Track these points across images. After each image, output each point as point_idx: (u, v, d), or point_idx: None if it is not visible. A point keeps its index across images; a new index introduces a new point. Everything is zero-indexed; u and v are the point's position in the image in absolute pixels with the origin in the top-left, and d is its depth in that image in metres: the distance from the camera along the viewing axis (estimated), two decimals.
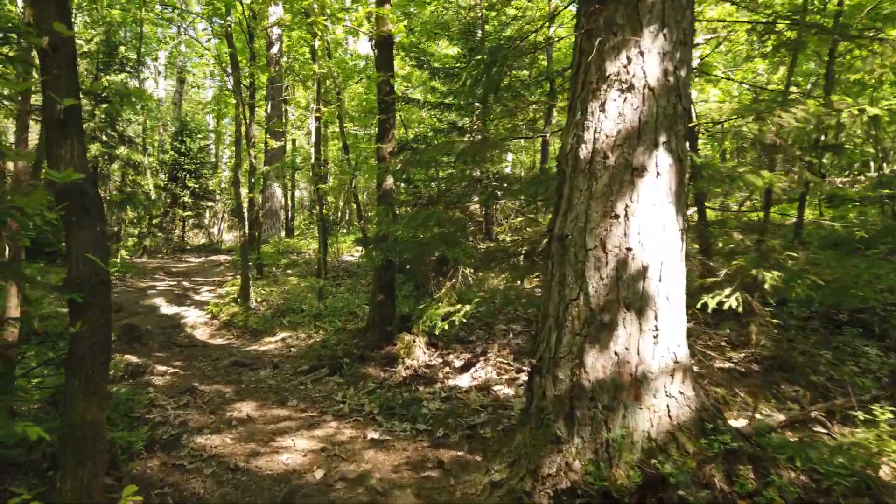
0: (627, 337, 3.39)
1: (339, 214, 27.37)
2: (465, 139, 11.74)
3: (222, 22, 11.78)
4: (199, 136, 27.38)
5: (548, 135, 10.16)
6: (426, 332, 6.45)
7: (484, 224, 10.73)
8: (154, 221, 24.42)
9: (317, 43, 10.42)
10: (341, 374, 6.21)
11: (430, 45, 14.50)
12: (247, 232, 9.20)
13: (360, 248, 18.40)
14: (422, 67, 12.69)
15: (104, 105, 20.13)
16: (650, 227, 3.47)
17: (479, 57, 5.87)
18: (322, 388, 5.86)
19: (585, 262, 3.49)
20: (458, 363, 6.13)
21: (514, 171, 18.36)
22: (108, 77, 20.17)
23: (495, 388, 5.21)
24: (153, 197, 21.76)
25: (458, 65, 12.01)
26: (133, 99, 18.97)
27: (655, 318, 3.43)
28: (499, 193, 11.23)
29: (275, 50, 21.30)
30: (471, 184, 11.33)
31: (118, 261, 13.41)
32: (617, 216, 3.47)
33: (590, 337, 3.43)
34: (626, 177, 3.50)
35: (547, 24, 10.67)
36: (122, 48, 21.13)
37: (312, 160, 10.92)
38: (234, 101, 10.29)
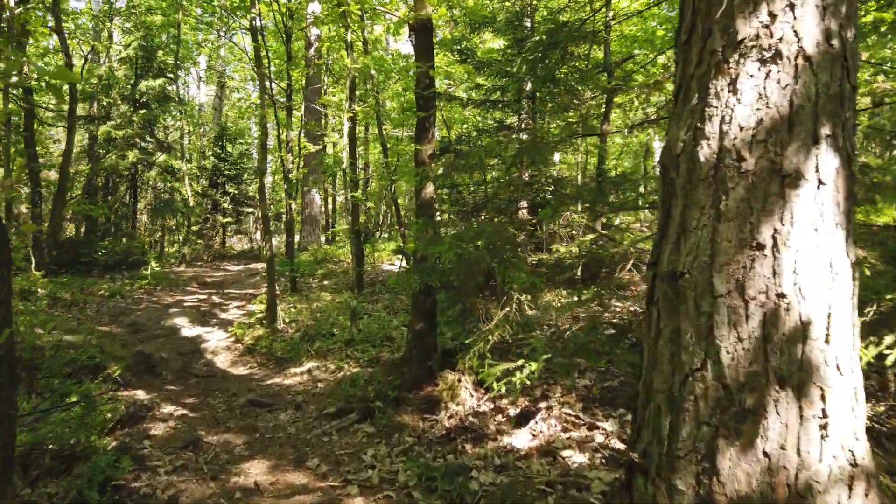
0: (782, 429, 2.26)
1: (381, 219, 26.57)
2: (514, 138, 10.67)
3: (249, 16, 10.98)
4: (240, 141, 27.07)
5: (608, 133, 9.00)
6: (474, 369, 5.40)
7: (544, 238, 9.62)
8: (194, 228, 24.10)
9: (349, 36, 9.49)
10: (372, 422, 5.20)
11: (474, 38, 13.46)
12: (271, 246, 8.33)
13: (399, 257, 17.51)
14: (465, 61, 11.68)
15: (142, 111, 19.82)
16: (811, 261, 2.33)
17: (538, 38, 4.81)
18: (349, 442, 4.87)
19: (714, 315, 2.37)
20: (513, 411, 5.04)
21: (570, 173, 17.09)
22: (145, 82, 19.84)
23: (564, 453, 4.11)
24: (191, 203, 21.36)
25: (505, 58, 10.96)
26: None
27: (822, 400, 2.29)
28: (550, 199, 10.06)
29: (313, 51, 20.67)
30: (519, 189, 10.23)
31: (148, 272, 12.82)
32: (761, 247, 2.34)
33: (724, 428, 2.30)
34: (774, 187, 2.36)
35: (604, 8, 9.52)
36: (161, 52, 20.81)
37: (345, 165, 9.99)
38: (259, 101, 9.43)
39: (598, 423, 4.46)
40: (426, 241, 4.69)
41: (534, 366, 3.50)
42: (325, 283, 13.49)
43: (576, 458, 4.05)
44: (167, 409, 5.73)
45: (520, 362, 3.59)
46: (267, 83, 11.31)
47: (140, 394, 6.14)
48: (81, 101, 20.11)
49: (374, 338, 7.39)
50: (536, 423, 4.72)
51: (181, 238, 22.57)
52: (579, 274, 8.34)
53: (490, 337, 5.26)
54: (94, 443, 4.41)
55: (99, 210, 17.48)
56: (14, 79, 6.12)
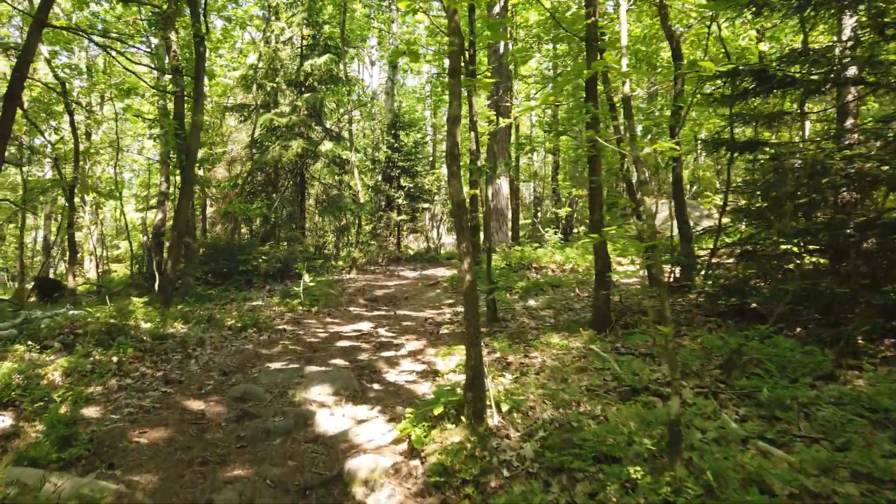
0: None
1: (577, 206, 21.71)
2: None
3: None
4: (414, 129, 24.08)
5: None
6: None
7: None
8: (366, 228, 21.38)
9: None
10: None
11: None
12: (471, 262, 4.24)
13: (626, 259, 12.81)
14: None
15: (307, 94, 17.25)
16: None
17: None
18: None
19: None
20: None
21: None
22: (310, 61, 17.26)
23: None
24: (362, 199, 18.48)
25: None
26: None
27: None
28: None
29: (497, 9, 16.77)
30: None
31: (300, 289, 9.59)
32: None
33: None
34: None
35: None
36: (327, 27, 18.17)
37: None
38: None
39: None
40: None
41: None
42: (532, 303, 9.33)
43: None
44: None
45: None
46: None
47: None
48: (244, 88, 18.13)
49: (729, 498, 2.96)
50: None
51: (352, 240, 19.93)
52: None
53: None
54: None
55: (256, 210, 15.05)
56: None
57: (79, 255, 21.41)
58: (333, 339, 7.49)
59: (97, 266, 17.50)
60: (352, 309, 10.34)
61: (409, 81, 32.46)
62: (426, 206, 23.12)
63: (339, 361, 6.15)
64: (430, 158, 27.66)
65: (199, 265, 14.03)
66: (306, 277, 9.56)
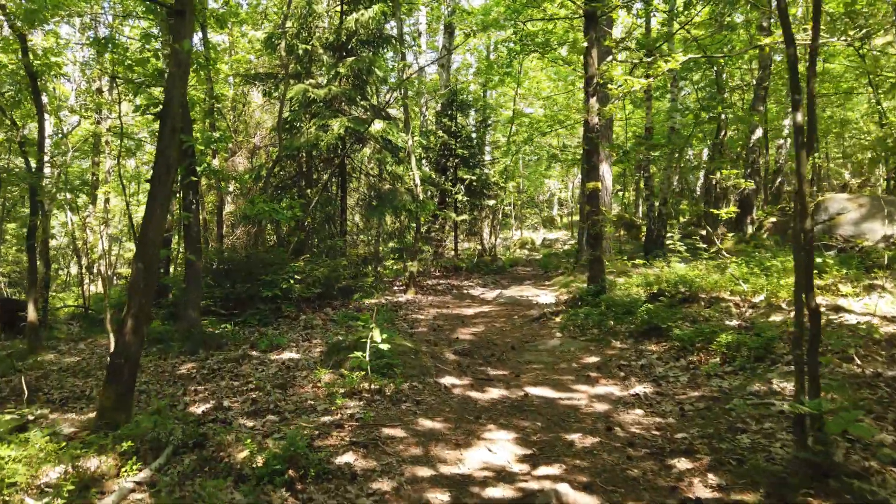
0: None
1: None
2: None
3: None
4: (473, 111, 19.83)
5: None
6: None
7: None
8: (421, 229, 17.21)
9: None
10: None
11: None
12: None
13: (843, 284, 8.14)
14: None
15: (350, 59, 13.14)
16: None
17: None
18: None
19: None
20: None
21: None
22: (354, 15, 13.13)
23: None
24: (420, 195, 14.29)
25: None
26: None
27: None
28: None
29: None
30: None
31: (364, 355, 5.42)
32: None
33: None
34: None
35: None
36: None
37: None
38: None
39: None
40: None
41: None
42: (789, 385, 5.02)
43: None
44: None
45: None
46: None
47: None
48: (267, 53, 14.07)
49: None
50: None
51: (409, 247, 15.70)
52: None
53: None
54: None
55: (285, 211, 10.96)
56: None
57: (87, 264, 17.58)
58: None
59: (83, 281, 13.57)
60: (446, 382, 6.17)
61: (458, 59, 28.17)
62: (491, 202, 18.86)
63: None
64: (488, 147, 23.32)
65: (208, 289, 10.03)
66: (376, 334, 5.41)
